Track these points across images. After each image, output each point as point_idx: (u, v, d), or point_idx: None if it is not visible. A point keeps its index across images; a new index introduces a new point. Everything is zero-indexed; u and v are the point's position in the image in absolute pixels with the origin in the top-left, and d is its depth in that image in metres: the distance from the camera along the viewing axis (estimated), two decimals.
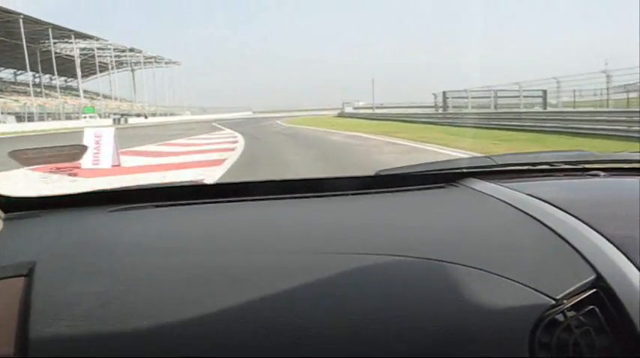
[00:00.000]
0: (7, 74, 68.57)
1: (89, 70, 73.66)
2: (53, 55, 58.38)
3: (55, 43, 59.72)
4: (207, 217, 1.04)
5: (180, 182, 1.27)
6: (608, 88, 21.95)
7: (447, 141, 13.84)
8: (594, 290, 0.74)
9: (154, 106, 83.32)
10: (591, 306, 0.73)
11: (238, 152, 13.29)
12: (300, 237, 0.91)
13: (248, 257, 0.82)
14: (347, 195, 1.16)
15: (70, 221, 1.02)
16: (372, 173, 1.26)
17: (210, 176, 8.24)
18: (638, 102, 21.56)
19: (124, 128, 36.30)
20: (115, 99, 78.04)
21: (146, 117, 61.95)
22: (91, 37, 64.75)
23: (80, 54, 67.22)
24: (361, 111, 58.24)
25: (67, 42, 63.51)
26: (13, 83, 65.21)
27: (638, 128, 12.67)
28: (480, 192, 1.10)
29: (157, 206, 1.08)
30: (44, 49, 60.53)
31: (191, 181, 1.30)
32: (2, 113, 46.73)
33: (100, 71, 73.42)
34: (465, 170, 1.25)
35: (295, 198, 1.14)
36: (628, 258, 0.76)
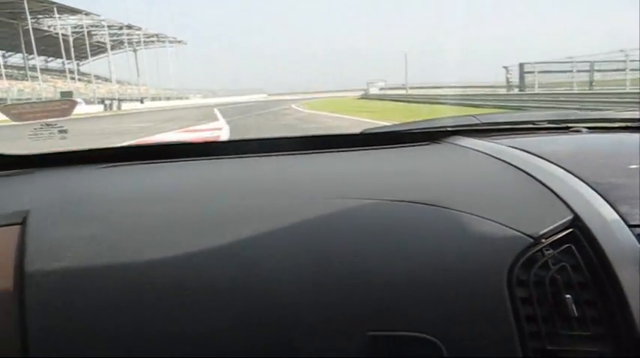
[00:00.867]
0: None
1: (85, 50, 66.75)
2: (32, 32, 51.03)
3: (39, 18, 52.47)
4: (195, 173, 1.09)
5: (171, 141, 1.09)
6: None
7: None
8: (571, 229, 0.77)
9: (160, 89, 75.69)
10: (568, 244, 0.76)
11: None
12: (286, 188, 0.95)
13: (236, 203, 0.86)
14: (334, 151, 1.20)
15: (63, 176, 1.08)
16: None
17: None
18: None
19: (99, 117, 29.98)
20: (117, 82, 70.23)
21: (142, 101, 54.57)
22: (79, 12, 57.20)
23: (73, 32, 59.73)
24: (389, 92, 49.77)
25: (52, 17, 55.98)
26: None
27: None
28: (464, 147, 1.14)
29: (147, 163, 1.12)
30: (27, 27, 53.25)
31: (181, 140, 1.30)
32: None
33: (98, 52, 66.15)
34: (449, 128, 1.28)
35: (283, 154, 1.17)
36: (605, 199, 0.80)
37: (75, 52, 61.13)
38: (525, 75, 23.16)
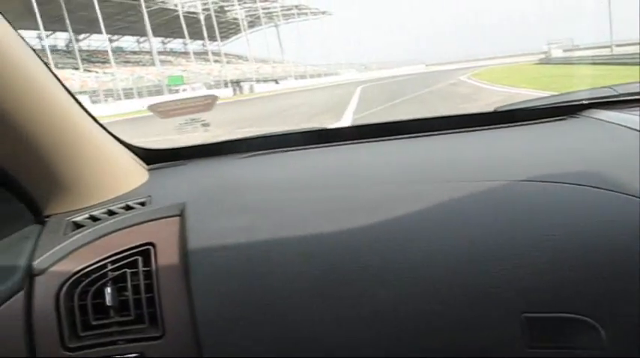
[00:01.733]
0: (129, 43, 59.55)
1: (222, 31, 62.42)
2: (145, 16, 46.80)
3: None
4: (331, 158, 1.16)
5: (302, 129, 1.33)
6: None
7: None
8: None
9: (307, 66, 69.38)
10: None
11: None
12: (424, 169, 0.99)
13: (380, 188, 0.90)
14: (467, 131, 1.19)
15: (209, 167, 1.17)
16: None
17: None
18: None
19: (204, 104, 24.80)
20: (260, 61, 65.07)
21: (277, 82, 48.66)
22: None
23: (203, 9, 55.23)
24: (580, 53, 37.94)
25: None
26: (136, 52, 55.34)
27: None
28: (603, 121, 1.10)
29: (285, 151, 1.21)
30: (152, 9, 49.35)
31: (312, 127, 1.35)
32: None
33: (232, 32, 61.61)
34: (585, 101, 1.25)
35: (417, 137, 1.20)
36: None
37: (207, 32, 56.90)
38: None
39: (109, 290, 0.80)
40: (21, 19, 33.29)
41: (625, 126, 1.00)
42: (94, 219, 0.92)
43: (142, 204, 0.95)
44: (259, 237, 0.81)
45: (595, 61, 27.93)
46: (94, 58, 47.61)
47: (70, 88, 0.94)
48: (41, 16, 34.33)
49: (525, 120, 1.21)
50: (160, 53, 57.06)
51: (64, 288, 0.80)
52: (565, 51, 42.71)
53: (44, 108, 0.86)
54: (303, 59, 74.92)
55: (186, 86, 39.04)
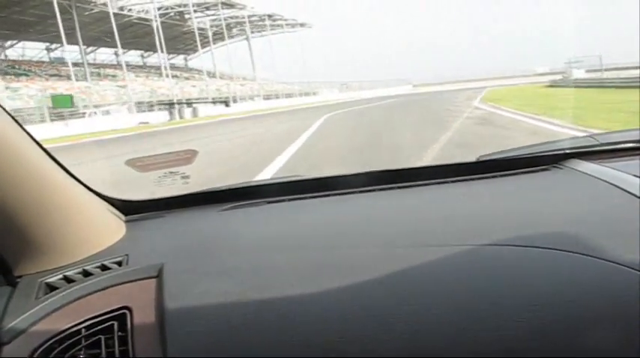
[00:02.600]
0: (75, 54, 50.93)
1: (187, 42, 54.10)
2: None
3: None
4: (313, 211, 1.16)
5: (284, 177, 1.34)
6: None
7: None
8: None
9: (276, 85, 60.98)
10: None
11: None
12: (408, 229, 0.98)
13: (360, 251, 0.89)
14: (448, 182, 1.21)
15: (187, 221, 1.17)
16: None
17: None
18: None
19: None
20: (220, 77, 56.28)
21: (227, 104, 40.42)
22: None
23: (161, 14, 47.02)
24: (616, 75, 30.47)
25: None
26: (78, 64, 46.64)
27: None
28: (585, 173, 1.14)
29: (267, 202, 1.20)
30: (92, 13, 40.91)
31: (295, 176, 1.35)
32: None
33: (195, 45, 53.29)
34: (567, 151, 1.28)
35: (400, 187, 1.20)
36: None
37: (168, 44, 48.55)
38: None
39: (82, 357, 0.77)
40: None
41: (602, 180, 1.05)
42: (68, 280, 0.90)
43: (119, 263, 0.94)
44: (239, 301, 0.79)
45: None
46: (16, 69, 39.22)
47: None
48: None
49: (508, 170, 1.23)
50: (107, 66, 48.70)
51: (36, 356, 0.76)
52: (586, 71, 34.73)
53: (13, 162, 0.85)
54: (278, 76, 66.15)
55: (95, 109, 30.66)
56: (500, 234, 0.86)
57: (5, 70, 37.88)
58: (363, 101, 36.97)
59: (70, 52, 44.01)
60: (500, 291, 0.76)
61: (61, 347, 0.76)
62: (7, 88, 32.63)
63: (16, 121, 0.87)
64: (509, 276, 0.78)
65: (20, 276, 0.91)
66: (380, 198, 1.17)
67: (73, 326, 0.78)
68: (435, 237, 0.90)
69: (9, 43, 43.44)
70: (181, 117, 31.89)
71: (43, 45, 46.46)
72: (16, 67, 40.09)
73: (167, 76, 46.36)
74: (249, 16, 56.53)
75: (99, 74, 44.42)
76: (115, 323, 0.79)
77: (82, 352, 0.76)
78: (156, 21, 45.03)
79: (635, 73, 24.69)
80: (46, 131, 21.40)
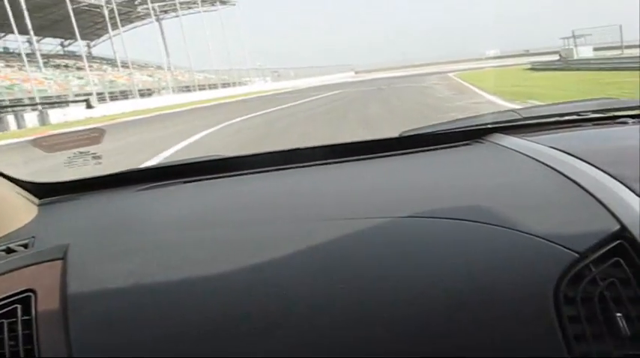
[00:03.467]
0: None
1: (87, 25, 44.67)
2: None
3: None
4: (229, 190, 1.13)
5: (201, 157, 1.30)
6: None
7: None
8: (619, 241, 0.74)
9: (195, 74, 52.71)
10: (616, 258, 0.73)
11: None
12: (324, 204, 0.97)
13: (273, 227, 0.88)
14: (371, 158, 1.20)
15: (101, 202, 1.13)
16: None
17: None
18: None
19: None
20: (124, 66, 46.97)
21: (88, 105, 30.83)
22: None
23: None
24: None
25: None
26: None
27: None
28: (505, 147, 1.13)
29: (184, 182, 1.17)
30: None
31: (213, 155, 1.32)
32: None
33: (101, 29, 44.11)
34: (490, 125, 1.29)
35: (318, 164, 1.20)
36: None
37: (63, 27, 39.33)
38: None
39: None
40: None
41: (523, 154, 1.04)
42: None
43: (25, 246, 0.91)
44: (148, 281, 0.77)
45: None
46: None
47: None
48: None
49: (430, 146, 1.24)
50: None
51: None
52: (594, 49, 29.78)
53: None
54: (201, 65, 57.65)
55: None
56: (416, 207, 0.86)
57: None
58: (292, 94, 30.60)
59: None
60: (414, 261, 0.76)
61: None
62: None
63: None
64: (421, 247, 0.78)
65: None
66: (301, 174, 1.17)
67: None
68: (349, 211, 0.89)
69: None
70: (19, 126, 22.86)
71: None
72: None
73: (58, 66, 36.95)
74: None
75: None
76: (19, 307, 0.76)
77: None
78: None
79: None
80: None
